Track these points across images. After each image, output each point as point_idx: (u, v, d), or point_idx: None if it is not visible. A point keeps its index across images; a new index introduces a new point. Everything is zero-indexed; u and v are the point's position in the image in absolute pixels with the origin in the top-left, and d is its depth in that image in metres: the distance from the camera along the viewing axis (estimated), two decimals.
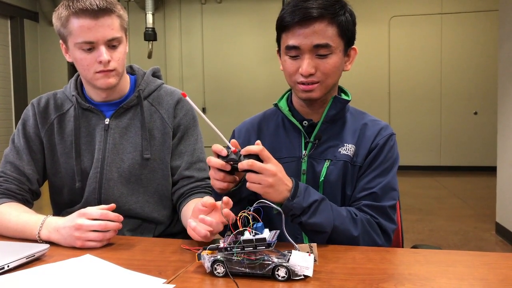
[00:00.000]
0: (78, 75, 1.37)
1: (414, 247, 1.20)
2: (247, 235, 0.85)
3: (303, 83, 1.14)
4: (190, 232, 1.02)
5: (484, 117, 7.07)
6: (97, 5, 1.18)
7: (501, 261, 0.95)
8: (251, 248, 0.84)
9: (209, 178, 1.20)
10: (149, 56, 7.41)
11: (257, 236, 0.84)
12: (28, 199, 1.32)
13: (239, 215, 0.86)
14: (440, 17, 7.23)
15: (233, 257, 0.85)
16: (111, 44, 1.23)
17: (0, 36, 7.21)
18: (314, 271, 0.85)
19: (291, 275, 0.83)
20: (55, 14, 1.24)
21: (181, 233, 1.38)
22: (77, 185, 1.32)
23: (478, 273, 0.88)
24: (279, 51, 1.20)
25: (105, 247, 1.08)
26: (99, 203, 1.29)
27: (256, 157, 0.96)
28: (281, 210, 0.91)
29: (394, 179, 1.18)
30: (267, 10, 7.42)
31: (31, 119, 1.35)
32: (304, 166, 1.19)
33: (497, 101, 3.90)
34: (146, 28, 7.15)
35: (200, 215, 0.98)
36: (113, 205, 1.11)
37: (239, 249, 0.84)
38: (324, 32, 1.10)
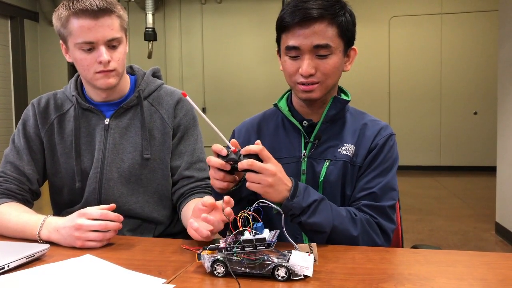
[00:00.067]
0: (78, 75, 1.37)
1: (414, 247, 1.20)
2: (247, 235, 0.85)
3: (303, 84, 1.14)
4: (190, 232, 1.02)
5: (484, 117, 7.07)
6: (97, 5, 1.18)
7: (501, 261, 0.95)
8: (251, 248, 0.84)
9: (209, 178, 1.20)
10: (149, 56, 7.41)
11: (257, 236, 0.84)
12: (28, 199, 1.32)
13: (239, 215, 0.86)
14: (440, 17, 7.23)
15: (233, 257, 0.85)
16: (111, 44, 1.23)
17: (0, 36, 7.21)
18: (314, 271, 0.85)
19: (291, 275, 0.83)
20: (55, 15, 1.24)
21: (181, 233, 1.38)
22: (77, 185, 1.32)
23: (478, 273, 0.88)
24: (279, 51, 1.20)
25: (105, 247, 1.08)
26: (99, 203, 1.29)
27: (256, 156, 0.97)
28: (281, 210, 0.91)
29: (394, 179, 1.18)
30: (267, 10, 7.42)
31: (31, 119, 1.35)
32: (303, 166, 1.19)
33: (497, 101, 3.90)
34: (146, 28, 7.15)
35: (202, 214, 0.98)
36: (113, 205, 1.11)
37: (239, 249, 0.84)
38: (324, 33, 1.10)
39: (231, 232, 0.87)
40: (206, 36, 7.91)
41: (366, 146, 1.18)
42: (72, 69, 5.63)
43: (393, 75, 7.42)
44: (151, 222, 1.35)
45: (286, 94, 1.29)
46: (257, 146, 0.97)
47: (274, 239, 0.86)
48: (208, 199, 1.02)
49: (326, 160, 1.18)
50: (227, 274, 0.86)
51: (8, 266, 0.91)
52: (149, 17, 7.16)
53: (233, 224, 0.88)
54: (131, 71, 1.42)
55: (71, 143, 1.33)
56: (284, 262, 0.84)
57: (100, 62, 1.21)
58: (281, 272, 0.83)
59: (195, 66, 7.98)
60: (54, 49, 7.61)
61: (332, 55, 1.12)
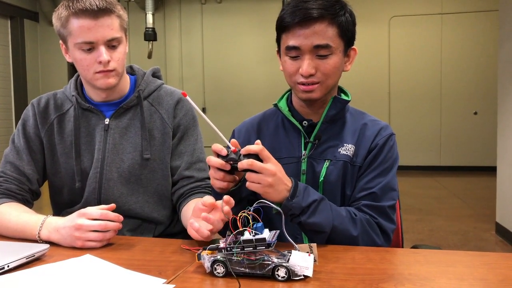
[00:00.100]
0: (78, 75, 1.37)
1: (414, 247, 1.20)
2: (247, 235, 0.85)
3: (303, 84, 1.14)
4: (190, 232, 1.02)
5: (484, 117, 7.07)
6: (97, 5, 1.18)
7: (501, 261, 0.95)
8: (251, 248, 0.84)
9: (209, 178, 1.20)
10: (149, 56, 7.41)
11: (257, 236, 0.84)
12: (28, 199, 1.32)
13: (239, 215, 0.86)
14: (440, 17, 7.23)
15: (233, 257, 0.85)
16: (111, 44, 1.23)
17: (0, 36, 7.21)
18: (314, 271, 0.85)
19: (291, 275, 0.83)
20: (55, 15, 1.24)
21: (181, 233, 1.38)
22: (77, 185, 1.32)
23: (478, 273, 0.88)
24: (279, 51, 1.20)
25: (105, 247, 1.08)
26: (99, 203, 1.29)
27: (256, 156, 0.97)
28: (281, 210, 0.91)
29: (394, 179, 1.18)
30: (267, 10, 7.42)
31: (31, 119, 1.35)
32: (303, 166, 1.19)
33: (497, 101, 3.90)
34: (146, 28, 7.15)
35: (203, 213, 0.98)
36: (113, 205, 1.11)
37: (239, 249, 0.84)
38: (324, 33, 1.10)
39: (231, 232, 0.87)
40: (206, 36, 7.91)
41: (366, 146, 1.18)
42: (72, 69, 5.63)
43: (393, 75, 7.42)
44: (151, 222, 1.35)
45: (286, 94, 1.29)
46: (257, 146, 0.97)
47: (274, 239, 0.86)
48: (208, 199, 1.02)
49: (326, 160, 1.18)
50: (227, 274, 0.86)
51: (8, 266, 0.91)
52: (149, 17, 7.17)
53: (233, 224, 0.88)
54: (131, 71, 1.42)
55: (71, 143, 1.33)
56: (284, 262, 0.84)
57: (100, 62, 1.21)
58: (281, 272, 0.83)
59: (195, 66, 7.98)
60: (54, 49, 7.60)
61: (332, 55, 1.12)
